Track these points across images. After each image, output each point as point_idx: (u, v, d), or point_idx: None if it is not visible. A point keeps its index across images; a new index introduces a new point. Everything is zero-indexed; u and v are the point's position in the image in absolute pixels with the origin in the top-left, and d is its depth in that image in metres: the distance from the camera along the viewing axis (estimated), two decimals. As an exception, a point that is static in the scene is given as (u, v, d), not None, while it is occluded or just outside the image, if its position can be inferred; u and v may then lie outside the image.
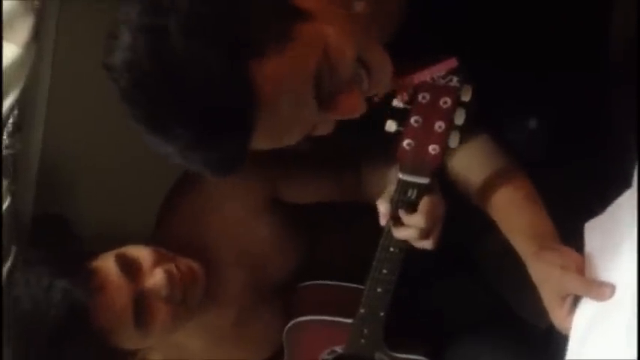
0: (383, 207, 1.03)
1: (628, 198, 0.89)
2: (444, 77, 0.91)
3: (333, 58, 0.83)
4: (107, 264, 1.17)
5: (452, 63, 0.89)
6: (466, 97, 0.92)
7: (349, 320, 1.24)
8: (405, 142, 0.95)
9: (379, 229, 1.07)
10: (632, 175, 0.89)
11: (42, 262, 1.16)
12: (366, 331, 1.23)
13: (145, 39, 0.78)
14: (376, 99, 0.92)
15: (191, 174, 1.20)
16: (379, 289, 1.15)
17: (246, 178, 1.27)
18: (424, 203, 1.00)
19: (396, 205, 1.02)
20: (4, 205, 1.27)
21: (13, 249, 1.28)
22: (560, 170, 1.15)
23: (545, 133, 1.15)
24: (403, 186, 0.99)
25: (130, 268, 1.17)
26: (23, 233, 1.41)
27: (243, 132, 0.81)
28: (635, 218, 0.84)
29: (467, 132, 0.95)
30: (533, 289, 0.97)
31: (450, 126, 0.93)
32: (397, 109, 0.93)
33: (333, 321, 1.28)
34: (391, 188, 1.02)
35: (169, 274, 1.17)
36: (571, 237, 0.97)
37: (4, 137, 1.24)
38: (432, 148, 0.95)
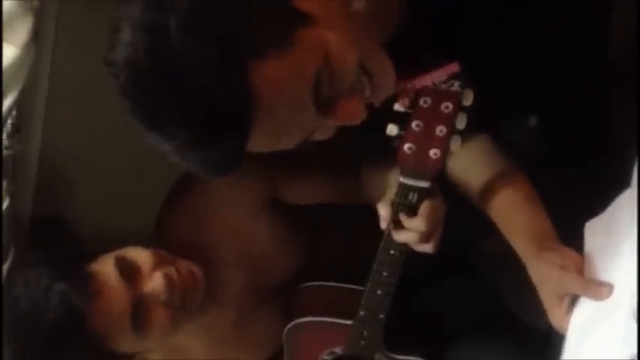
0: (383, 210, 1.03)
1: (628, 198, 0.88)
2: (445, 82, 0.90)
3: (334, 64, 0.82)
4: (106, 268, 1.16)
5: (453, 68, 0.89)
6: (467, 102, 0.91)
7: (349, 322, 1.24)
8: (406, 146, 0.95)
9: (380, 231, 1.06)
10: (631, 175, 0.89)
11: (41, 262, 1.15)
12: (365, 332, 1.23)
13: (144, 36, 0.77)
14: (377, 104, 0.92)
15: (191, 174, 1.20)
16: (379, 292, 1.15)
17: (246, 177, 1.27)
18: (425, 207, 1.00)
19: (396, 208, 1.01)
20: (4, 206, 1.27)
21: (12, 249, 1.28)
22: (559, 170, 1.15)
23: (545, 134, 1.15)
24: (404, 189, 0.99)
25: (130, 272, 1.16)
26: (22, 234, 1.40)
27: (240, 132, 0.81)
28: (634, 218, 0.84)
29: (467, 132, 0.95)
30: (532, 290, 0.97)
31: (452, 130, 0.93)
32: (398, 113, 0.93)
33: (333, 322, 1.28)
34: (392, 191, 1.02)
35: (169, 279, 1.17)
36: (571, 237, 0.97)
37: (3, 138, 1.24)
38: (433, 153, 0.95)
